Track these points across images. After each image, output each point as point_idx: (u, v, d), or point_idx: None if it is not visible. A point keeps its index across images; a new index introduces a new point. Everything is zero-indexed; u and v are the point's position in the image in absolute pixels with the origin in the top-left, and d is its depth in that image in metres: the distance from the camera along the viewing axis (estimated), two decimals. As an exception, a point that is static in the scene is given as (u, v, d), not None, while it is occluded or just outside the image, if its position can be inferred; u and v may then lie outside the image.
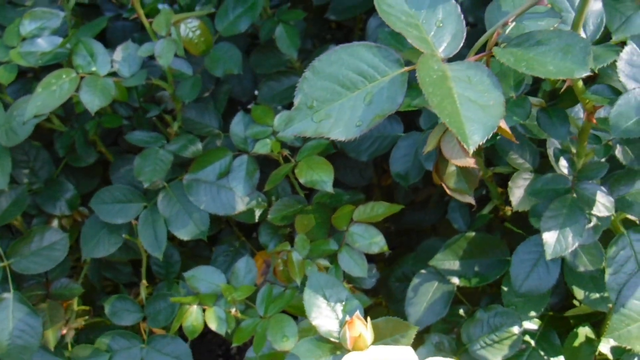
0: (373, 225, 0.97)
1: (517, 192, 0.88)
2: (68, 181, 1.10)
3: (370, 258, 0.99)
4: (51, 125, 1.10)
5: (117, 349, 1.00)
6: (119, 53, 1.00)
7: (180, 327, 0.94)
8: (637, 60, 0.69)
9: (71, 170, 1.14)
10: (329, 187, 0.94)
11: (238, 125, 1.02)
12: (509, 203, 0.90)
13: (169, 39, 0.97)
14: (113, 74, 0.99)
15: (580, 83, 0.72)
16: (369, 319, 0.68)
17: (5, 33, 1.00)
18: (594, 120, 0.75)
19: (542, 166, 0.88)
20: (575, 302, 0.95)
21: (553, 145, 0.83)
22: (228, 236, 1.16)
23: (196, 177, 1.01)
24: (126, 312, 1.03)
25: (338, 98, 0.59)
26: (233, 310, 0.93)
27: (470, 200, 0.81)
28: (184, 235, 1.02)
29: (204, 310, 0.94)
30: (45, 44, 0.99)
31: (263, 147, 0.98)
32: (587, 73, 0.58)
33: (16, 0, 1.13)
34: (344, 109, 0.59)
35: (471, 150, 0.54)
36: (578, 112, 0.83)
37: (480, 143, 0.54)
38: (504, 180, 0.92)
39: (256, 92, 1.17)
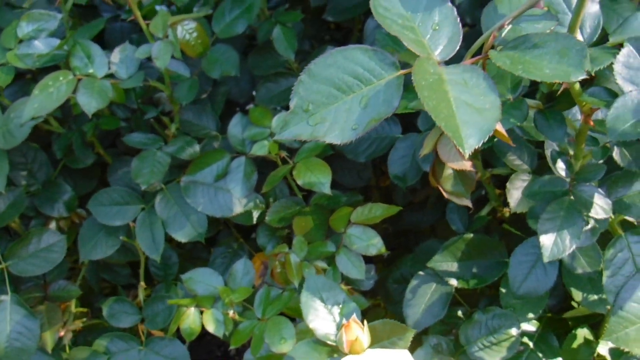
0: (371, 227, 0.97)
1: (515, 193, 0.87)
2: (66, 183, 1.10)
3: (369, 259, 0.99)
4: (49, 127, 1.09)
5: (115, 351, 1.00)
6: (116, 55, 1.00)
7: (179, 329, 0.94)
8: (634, 63, 0.69)
9: (69, 172, 1.13)
10: (326, 189, 0.94)
11: (236, 126, 1.02)
12: (507, 204, 0.90)
13: (166, 40, 0.96)
14: (110, 76, 0.99)
15: (577, 85, 0.71)
16: (365, 322, 0.68)
17: (3, 35, 1.00)
18: (591, 123, 0.74)
19: (541, 167, 0.88)
20: (574, 304, 0.95)
21: (550, 147, 0.83)
22: (226, 238, 1.16)
23: (194, 179, 1.01)
24: (124, 314, 1.03)
25: (334, 101, 0.59)
26: (231, 312, 0.93)
27: (467, 203, 0.81)
28: (181, 237, 1.02)
29: (201, 312, 0.94)
30: (42, 46, 0.99)
31: (261, 149, 0.98)
32: (583, 76, 0.57)
33: (14, 2, 1.13)
34: (340, 113, 0.59)
35: (467, 154, 0.53)
36: (575, 114, 0.83)
37: (477, 147, 0.54)
38: (502, 182, 0.91)
39: (254, 94, 1.17)
